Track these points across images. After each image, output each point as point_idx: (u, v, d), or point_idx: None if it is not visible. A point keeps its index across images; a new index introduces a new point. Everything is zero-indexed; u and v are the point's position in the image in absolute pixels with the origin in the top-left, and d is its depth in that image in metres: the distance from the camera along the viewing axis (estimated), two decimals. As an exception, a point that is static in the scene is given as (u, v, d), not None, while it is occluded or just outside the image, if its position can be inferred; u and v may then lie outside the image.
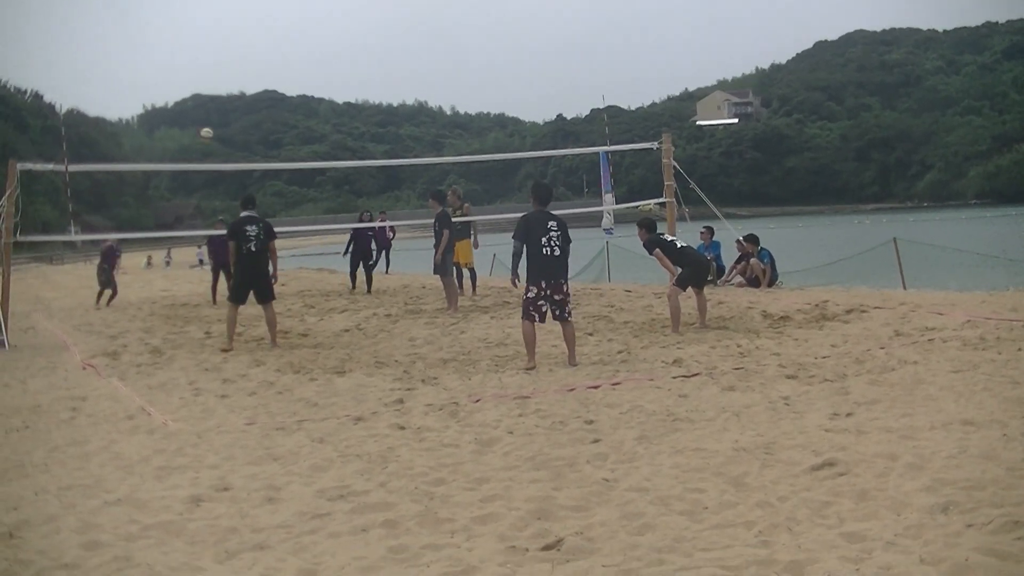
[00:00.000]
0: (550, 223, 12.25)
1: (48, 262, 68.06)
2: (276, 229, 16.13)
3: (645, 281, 23.53)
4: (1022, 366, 9.90)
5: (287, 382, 11.85)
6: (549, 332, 13.05)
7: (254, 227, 15.42)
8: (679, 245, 15.57)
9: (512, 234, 12.55)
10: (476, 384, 11.10)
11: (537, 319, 12.23)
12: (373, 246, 25.69)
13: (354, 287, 25.06)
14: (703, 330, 14.55)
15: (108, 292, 25.96)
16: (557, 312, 12.23)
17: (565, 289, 12.30)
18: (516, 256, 12.56)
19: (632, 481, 6.82)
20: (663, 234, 16.16)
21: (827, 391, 9.48)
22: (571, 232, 12.47)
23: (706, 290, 17.64)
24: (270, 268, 15.81)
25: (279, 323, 15.98)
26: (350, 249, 25.19)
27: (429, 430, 8.80)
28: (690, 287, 15.12)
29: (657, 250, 15.24)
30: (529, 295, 12.27)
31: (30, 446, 8.91)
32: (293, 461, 7.90)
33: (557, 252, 12.18)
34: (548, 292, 12.15)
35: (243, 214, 15.61)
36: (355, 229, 25.08)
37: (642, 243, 15.58)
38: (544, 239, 12.14)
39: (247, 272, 15.44)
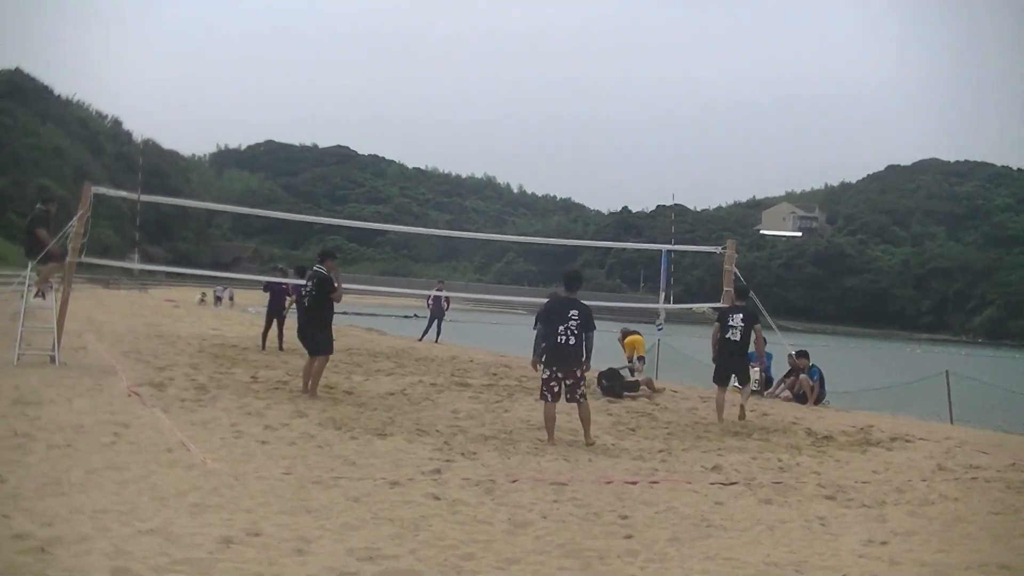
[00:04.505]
0: (571, 311, 12.97)
1: (104, 285, 68.63)
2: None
3: (692, 382, 23.47)
4: (1065, 516, 9.77)
5: (328, 437, 11.89)
6: (594, 420, 13.07)
7: (310, 282, 16.00)
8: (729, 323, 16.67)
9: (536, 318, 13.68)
10: (515, 464, 11.10)
11: (550, 399, 12.90)
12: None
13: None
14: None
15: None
16: (568, 395, 12.93)
17: (578, 374, 13.01)
18: (538, 339, 13.74)
19: (661, 582, 6.79)
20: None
21: (864, 516, 9.39)
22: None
23: (751, 400, 17.63)
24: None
25: (325, 377, 16.10)
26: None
27: (464, 504, 8.81)
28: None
29: (716, 323, 16.97)
30: (544, 376, 13.11)
31: (69, 464, 8.99)
32: (326, 516, 7.92)
33: (572, 341, 12.89)
34: (560, 376, 12.88)
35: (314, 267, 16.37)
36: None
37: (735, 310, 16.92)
38: (562, 327, 12.88)
39: (299, 322, 15.93)
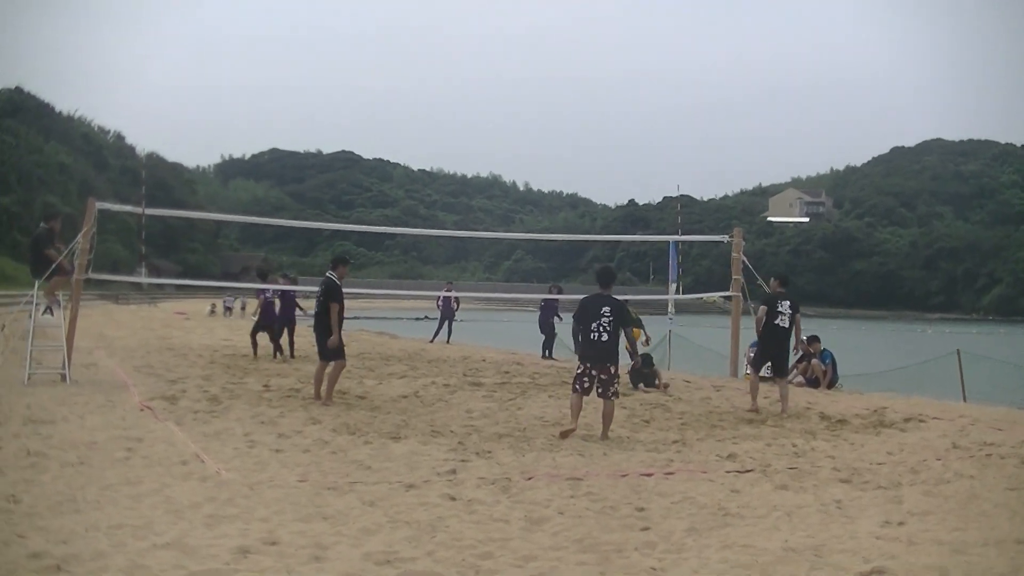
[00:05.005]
0: (604, 308, 13.02)
1: (114, 301, 68.46)
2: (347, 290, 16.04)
3: (703, 372, 23.44)
4: (1081, 490, 9.73)
5: (342, 443, 11.87)
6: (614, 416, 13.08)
7: (320, 288, 15.81)
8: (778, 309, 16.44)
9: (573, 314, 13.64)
10: (530, 461, 11.06)
11: (580, 391, 12.97)
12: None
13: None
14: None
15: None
16: (600, 390, 12.98)
17: (612, 371, 13.04)
18: (574, 335, 14.11)
19: (679, 572, 6.77)
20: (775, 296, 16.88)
21: (880, 498, 9.36)
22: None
23: (764, 387, 17.55)
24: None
25: (338, 383, 16.05)
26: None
27: (480, 503, 8.79)
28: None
29: (763, 307, 16.52)
30: (577, 371, 13.16)
31: (84, 482, 8.98)
32: (342, 522, 7.91)
33: (605, 337, 12.96)
34: (594, 372, 12.93)
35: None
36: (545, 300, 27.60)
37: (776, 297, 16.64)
38: (595, 324, 12.98)
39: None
